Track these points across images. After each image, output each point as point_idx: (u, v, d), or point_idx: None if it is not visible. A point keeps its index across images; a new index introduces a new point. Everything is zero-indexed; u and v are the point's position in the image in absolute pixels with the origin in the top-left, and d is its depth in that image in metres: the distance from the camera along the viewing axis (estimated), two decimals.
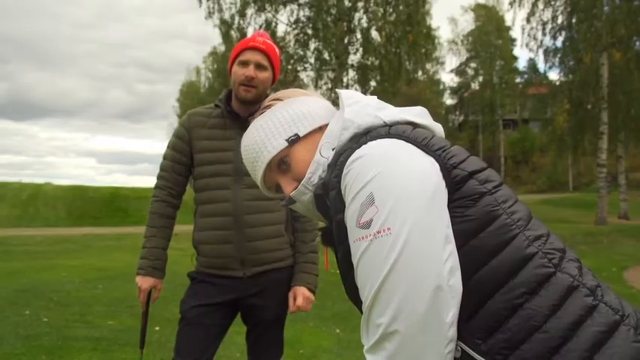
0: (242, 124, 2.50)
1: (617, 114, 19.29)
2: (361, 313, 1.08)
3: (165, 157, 2.68)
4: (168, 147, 2.67)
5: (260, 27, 16.16)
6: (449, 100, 48.34)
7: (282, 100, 1.32)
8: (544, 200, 27.88)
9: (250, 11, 16.09)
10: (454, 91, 47.45)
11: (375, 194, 0.97)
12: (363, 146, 1.05)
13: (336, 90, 1.32)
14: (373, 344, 0.98)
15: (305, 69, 16.92)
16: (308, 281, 2.63)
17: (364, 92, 18.13)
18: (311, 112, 1.27)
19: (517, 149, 41.80)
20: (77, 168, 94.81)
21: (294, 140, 1.22)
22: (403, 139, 1.06)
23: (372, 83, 17.35)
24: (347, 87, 17.20)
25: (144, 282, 2.59)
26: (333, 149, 1.17)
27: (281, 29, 16.50)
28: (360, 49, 16.30)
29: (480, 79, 44.28)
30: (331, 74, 16.42)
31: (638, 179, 30.61)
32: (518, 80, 37.16)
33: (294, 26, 16.22)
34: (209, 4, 16.08)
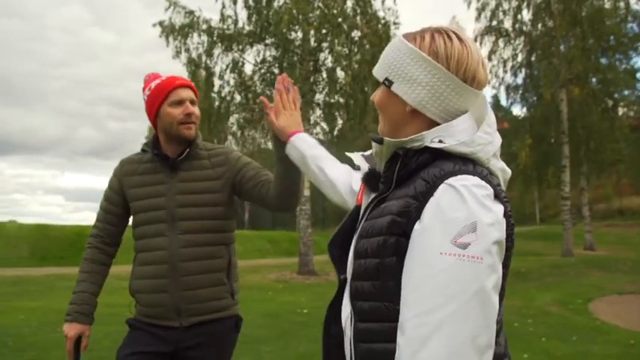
0: (172, 165, 2.48)
1: (578, 147, 19.81)
2: (338, 272, 1.35)
3: (100, 207, 2.65)
4: (103, 196, 2.65)
5: (227, 66, 16.33)
6: None
7: (429, 44, 1.28)
8: None
9: (217, 51, 16.26)
10: None
11: (478, 226, 1.08)
12: (469, 177, 1.14)
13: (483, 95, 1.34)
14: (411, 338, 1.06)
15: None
16: None
17: (331, 130, 18.42)
18: (422, 83, 1.27)
19: None
20: (44, 206, 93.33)
21: (386, 84, 1.31)
22: (491, 188, 1.16)
23: (339, 121, 17.55)
24: (314, 125, 17.38)
25: (70, 329, 2.47)
26: (440, 141, 1.22)
27: (248, 69, 16.66)
28: (326, 88, 16.54)
29: None
30: None
31: (601, 210, 31.30)
32: None
33: (260, 66, 16.43)
34: (176, 43, 16.22)
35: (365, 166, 1.42)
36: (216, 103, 16.73)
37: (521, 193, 24.79)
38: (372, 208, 1.29)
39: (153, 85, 2.47)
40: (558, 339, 7.13)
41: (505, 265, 1.16)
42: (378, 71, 1.34)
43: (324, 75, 16.41)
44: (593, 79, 20.44)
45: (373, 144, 1.32)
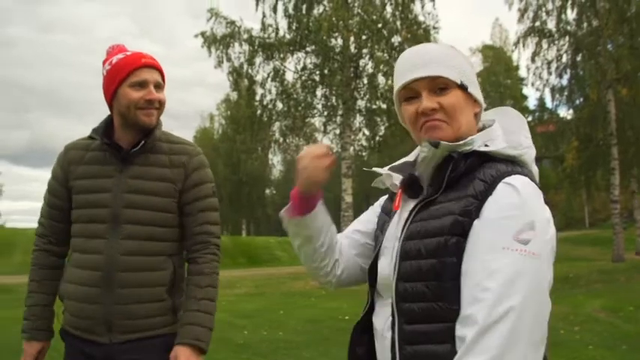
0: (124, 158, 2.17)
1: (627, 149, 19.24)
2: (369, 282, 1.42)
3: (44, 200, 2.33)
4: (46, 188, 2.33)
5: (268, 75, 16.52)
6: None
7: (466, 56, 1.44)
8: (561, 238, 27.46)
9: (259, 60, 16.47)
10: None
11: (536, 224, 1.17)
12: (523, 177, 1.24)
13: (513, 111, 1.46)
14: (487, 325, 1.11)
15: (313, 115, 17.18)
16: (196, 336, 2.09)
17: (373, 136, 18.37)
18: (478, 87, 1.42)
19: None
20: None
21: (463, 87, 1.35)
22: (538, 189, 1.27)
23: (381, 127, 17.52)
24: (356, 131, 17.40)
25: (29, 348, 2.24)
26: (487, 145, 1.31)
27: (289, 77, 16.81)
28: (368, 94, 16.55)
29: None
30: (339, 119, 16.64)
31: None
32: (529, 119, 37.26)
33: (301, 73, 16.56)
34: (218, 53, 16.49)
35: (396, 176, 1.44)
36: (259, 112, 16.94)
37: (568, 197, 24.23)
38: (417, 211, 1.32)
39: (115, 59, 2.16)
40: (606, 347, 6.93)
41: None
42: (451, 74, 1.35)
43: (365, 81, 16.43)
44: None
45: (424, 148, 1.34)
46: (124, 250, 2.10)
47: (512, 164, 1.29)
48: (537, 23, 20.03)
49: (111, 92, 2.17)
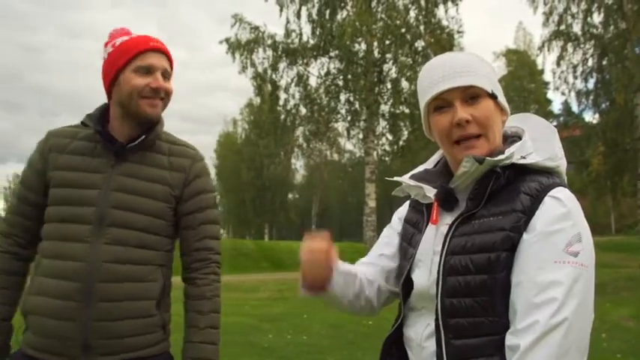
0: (118, 152, 1.89)
1: None
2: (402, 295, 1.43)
3: (14, 194, 2.04)
4: (19, 180, 2.04)
5: (292, 80, 16.62)
6: None
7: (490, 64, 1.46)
8: None
9: (282, 65, 16.58)
10: None
11: (582, 236, 1.21)
12: (565, 189, 1.28)
13: (539, 118, 1.48)
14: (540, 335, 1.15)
15: (337, 120, 17.23)
16: None
17: (396, 141, 18.36)
18: (502, 93, 1.43)
19: None
20: None
21: (493, 96, 1.36)
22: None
23: (404, 132, 17.51)
24: (380, 136, 17.41)
25: None
26: (523, 157, 1.33)
27: (312, 82, 16.90)
28: (391, 99, 16.55)
29: None
30: (363, 124, 16.66)
31: None
32: (554, 123, 36.89)
33: (324, 78, 16.63)
34: (242, 58, 16.63)
35: (428, 189, 1.42)
36: (282, 117, 17.03)
37: (593, 202, 23.92)
38: (457, 225, 1.33)
39: (118, 41, 1.91)
40: (634, 356, 6.85)
41: None
42: (482, 83, 1.34)
43: (389, 86, 16.45)
44: None
45: (466, 163, 1.32)
46: (108, 257, 1.80)
47: (550, 175, 1.31)
48: (563, 27, 19.84)
49: (111, 77, 1.89)
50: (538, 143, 1.37)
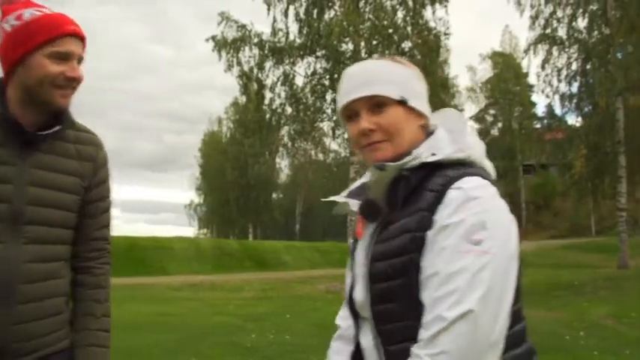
0: (28, 142, 1.71)
1: (634, 157, 19.23)
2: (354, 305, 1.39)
3: None
4: None
5: (278, 79, 16.60)
6: None
7: (410, 66, 1.43)
8: (566, 245, 27.51)
9: (268, 64, 16.54)
10: None
11: (488, 223, 1.18)
12: (472, 178, 1.25)
13: (452, 111, 1.50)
14: (432, 335, 1.14)
15: (322, 120, 17.24)
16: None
17: None
18: (424, 98, 1.41)
19: (538, 194, 41.50)
20: None
21: (403, 102, 1.34)
22: (493, 185, 1.28)
23: None
24: None
25: None
26: (433, 154, 1.30)
27: (299, 81, 16.89)
28: None
29: (499, 125, 44.44)
30: None
31: None
32: (537, 126, 37.21)
33: (311, 78, 16.63)
34: (228, 57, 16.58)
35: (353, 203, 1.43)
36: (267, 116, 17.01)
37: (575, 204, 24.20)
38: (379, 233, 1.34)
39: (27, 15, 1.68)
40: (611, 353, 6.96)
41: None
42: (388, 91, 1.34)
43: None
44: None
45: (370, 172, 1.37)
46: (28, 257, 1.68)
47: (462, 167, 1.29)
48: (548, 30, 20.05)
49: (17, 57, 1.67)
50: (454, 135, 1.37)
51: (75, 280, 1.87)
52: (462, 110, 46.51)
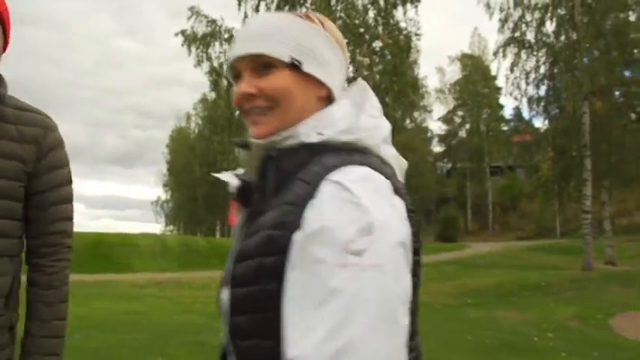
0: None
1: (599, 161, 19.60)
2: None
3: None
4: None
5: None
6: (437, 148, 48.91)
7: (324, 26, 1.14)
8: (532, 247, 27.96)
9: None
10: (442, 139, 48.03)
11: (375, 228, 0.89)
12: (356, 168, 0.97)
13: (360, 82, 1.17)
14: None
15: None
16: None
17: None
18: (332, 66, 1.13)
19: (505, 196, 42.08)
20: None
21: (294, 65, 1.07)
22: (386, 179, 0.99)
23: None
24: None
25: None
26: (320, 133, 1.04)
27: None
28: None
29: (467, 126, 44.97)
30: None
31: (623, 225, 30.84)
32: (505, 128, 37.73)
33: None
34: (198, 52, 16.40)
35: (232, 183, 1.15)
36: (237, 112, 16.85)
37: (541, 206, 24.59)
38: (248, 224, 1.08)
39: None
40: (579, 355, 7.04)
41: (414, 273, 0.98)
42: (276, 50, 1.07)
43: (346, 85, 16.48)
44: (617, 92, 20.24)
45: (238, 151, 1.14)
46: None
47: (349, 153, 1.01)
48: (517, 34, 20.32)
49: None
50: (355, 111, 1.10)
51: (28, 278, 1.71)
52: (430, 111, 47.26)
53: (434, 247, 29.04)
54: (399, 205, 0.97)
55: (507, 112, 41.81)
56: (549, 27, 20.27)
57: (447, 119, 46.42)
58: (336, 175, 0.94)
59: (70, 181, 1.76)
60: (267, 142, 1.06)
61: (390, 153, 1.08)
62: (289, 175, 1.01)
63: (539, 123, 24.63)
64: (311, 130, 1.04)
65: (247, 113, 1.11)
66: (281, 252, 0.94)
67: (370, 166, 0.98)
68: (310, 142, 1.03)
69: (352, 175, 0.94)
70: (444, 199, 41.42)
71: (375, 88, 15.96)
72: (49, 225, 1.69)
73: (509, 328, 7.77)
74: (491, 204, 41.35)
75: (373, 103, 1.11)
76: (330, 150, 1.01)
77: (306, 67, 1.08)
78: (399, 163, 1.11)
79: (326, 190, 0.94)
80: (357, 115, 1.07)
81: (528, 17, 20.21)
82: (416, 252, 1.00)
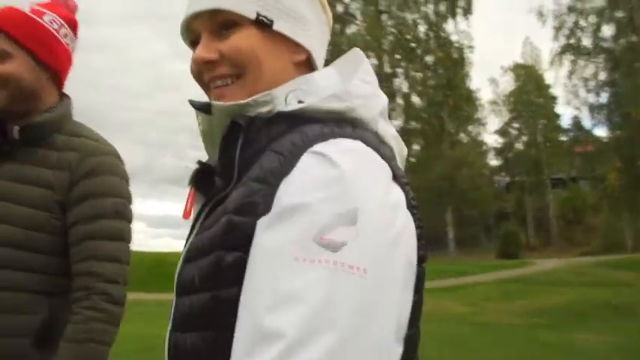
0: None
1: None
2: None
3: None
4: None
5: None
6: (493, 161, 47.79)
7: None
8: (600, 262, 26.74)
9: None
10: (498, 152, 46.97)
11: (361, 215, 0.66)
12: (346, 140, 0.76)
13: (354, 50, 0.98)
14: None
15: None
16: None
17: (407, 157, 18.11)
18: (310, 25, 0.93)
19: (567, 208, 40.63)
20: None
21: (262, 23, 0.87)
22: (379, 155, 0.77)
23: (416, 147, 17.33)
24: None
25: None
26: (300, 101, 0.83)
27: None
28: (402, 114, 16.41)
29: (524, 138, 43.90)
30: None
31: None
32: (563, 138, 36.64)
33: None
34: None
35: (192, 167, 0.96)
36: None
37: (608, 219, 23.57)
38: (205, 216, 0.85)
39: None
40: None
41: (417, 289, 0.75)
42: (237, 4, 0.86)
43: (400, 101, 16.32)
44: None
45: (197, 117, 0.91)
46: None
47: (337, 124, 0.79)
48: (573, 40, 19.72)
49: None
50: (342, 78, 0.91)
51: None
52: (484, 124, 46.39)
53: (495, 264, 28.12)
54: (398, 195, 0.75)
55: (565, 122, 40.63)
56: (607, 31, 19.62)
57: (502, 131, 45.45)
58: (320, 146, 0.73)
59: (116, 214, 1.52)
60: (234, 106, 0.84)
61: (389, 132, 0.87)
62: (261, 152, 0.79)
63: (602, 132, 23.76)
64: (290, 95, 0.84)
65: (208, 86, 0.90)
66: (244, 245, 0.70)
67: (363, 141, 0.77)
68: (289, 110, 0.82)
69: (340, 146, 0.74)
70: (503, 214, 40.44)
71: (430, 103, 15.71)
72: (78, 264, 1.48)
73: (590, 352, 7.22)
74: (553, 217, 40.02)
75: (368, 68, 0.90)
76: (315, 121, 0.80)
77: (277, 26, 0.88)
78: (400, 149, 0.90)
79: (305, 162, 0.72)
80: (347, 80, 0.86)
81: (583, 23, 19.60)
82: (420, 260, 0.75)
